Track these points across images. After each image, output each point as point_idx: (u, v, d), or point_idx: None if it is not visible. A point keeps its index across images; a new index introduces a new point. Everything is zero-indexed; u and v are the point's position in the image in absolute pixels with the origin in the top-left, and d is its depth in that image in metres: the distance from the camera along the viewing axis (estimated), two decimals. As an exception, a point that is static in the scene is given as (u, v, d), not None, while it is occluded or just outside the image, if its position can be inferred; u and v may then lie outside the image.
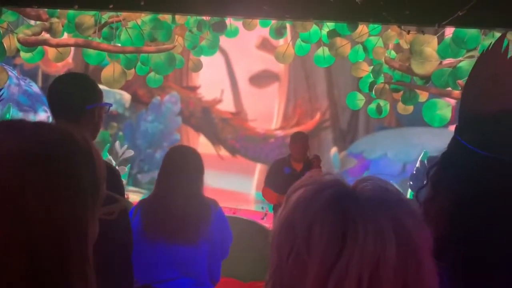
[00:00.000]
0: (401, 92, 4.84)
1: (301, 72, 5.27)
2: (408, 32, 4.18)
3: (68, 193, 0.73)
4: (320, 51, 4.92)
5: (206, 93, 5.54)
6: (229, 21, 4.96)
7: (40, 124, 0.78)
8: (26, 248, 0.69)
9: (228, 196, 4.96)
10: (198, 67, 5.34)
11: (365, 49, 4.85)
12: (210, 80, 5.50)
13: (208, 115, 5.59)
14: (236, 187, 4.54)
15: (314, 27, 4.79)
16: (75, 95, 1.80)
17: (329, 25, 4.75)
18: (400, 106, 4.94)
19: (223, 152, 5.68)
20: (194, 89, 5.54)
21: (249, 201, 5.37)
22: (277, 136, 5.36)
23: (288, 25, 4.93)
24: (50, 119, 5.35)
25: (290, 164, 4.32)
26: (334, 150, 5.23)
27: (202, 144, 5.68)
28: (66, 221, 0.72)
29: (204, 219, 2.53)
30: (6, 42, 5.35)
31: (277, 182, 4.31)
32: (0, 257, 0.67)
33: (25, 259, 0.68)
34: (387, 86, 4.85)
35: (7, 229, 0.68)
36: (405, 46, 4.63)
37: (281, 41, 4.99)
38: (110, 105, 1.99)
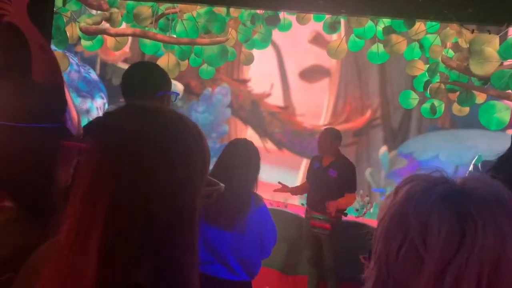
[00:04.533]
0: (458, 93, 4.66)
1: (353, 68, 5.20)
2: (472, 31, 4.01)
3: (182, 171, 0.76)
4: (374, 47, 4.83)
5: (256, 86, 5.58)
6: (283, 15, 4.96)
7: (156, 108, 0.82)
8: (142, 216, 0.73)
9: (273, 189, 4.98)
10: (249, 60, 5.39)
11: (421, 47, 4.71)
12: (261, 74, 5.53)
13: (256, 108, 5.63)
14: (281, 181, 4.56)
15: (369, 23, 4.70)
16: (146, 82, 1.88)
17: (385, 21, 4.64)
18: (456, 107, 4.76)
19: (270, 145, 5.70)
20: (244, 82, 5.59)
21: (291, 195, 5.38)
22: (325, 132, 5.32)
23: (342, 20, 4.86)
24: (106, 105, 5.58)
25: (320, 160, 4.37)
26: (383, 149, 5.13)
27: (249, 137, 5.74)
28: (179, 196, 0.76)
29: (243, 210, 2.56)
30: (68, 30, 5.62)
31: (308, 176, 4.48)
32: (121, 221, 0.72)
33: (141, 227, 0.72)
34: (442, 85, 4.69)
35: (126, 200, 0.72)
36: (464, 45, 4.45)
37: (334, 36, 4.93)
38: (178, 94, 2.06)
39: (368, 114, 5.22)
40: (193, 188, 0.79)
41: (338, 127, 5.03)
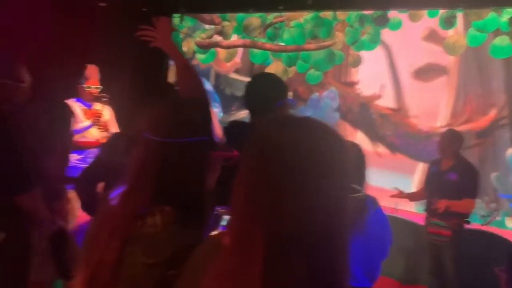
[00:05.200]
0: None
1: (473, 64, 4.79)
2: None
3: (337, 180, 0.79)
4: (498, 40, 4.41)
5: (365, 88, 5.43)
6: (393, 13, 4.78)
7: (307, 119, 0.85)
8: (302, 223, 0.76)
9: (386, 195, 4.80)
10: (357, 62, 5.29)
11: (556, 36, 4.18)
12: (370, 75, 5.37)
13: (366, 111, 5.48)
14: (394, 186, 4.37)
15: (491, 15, 4.30)
16: (268, 92, 1.96)
17: (510, 11, 4.21)
18: None
19: (382, 149, 5.50)
20: (352, 84, 5.48)
21: (409, 201, 5.12)
22: (443, 134, 4.98)
23: (459, 14, 4.52)
24: (220, 114, 5.91)
25: (439, 163, 4.05)
26: (511, 151, 4.65)
27: (360, 140, 5.60)
28: (335, 204, 0.79)
29: (361, 213, 2.51)
30: (185, 46, 6.08)
31: (426, 180, 4.19)
32: (281, 227, 0.76)
33: (301, 233, 0.76)
34: None
35: (286, 209, 0.76)
36: None
37: (450, 32, 4.61)
38: (294, 101, 2.12)
39: (492, 113, 4.77)
40: (346, 195, 0.81)
41: (458, 128, 4.66)
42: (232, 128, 2.10)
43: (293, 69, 5.50)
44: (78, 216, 2.86)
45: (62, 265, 2.22)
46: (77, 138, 3.80)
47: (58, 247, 2.32)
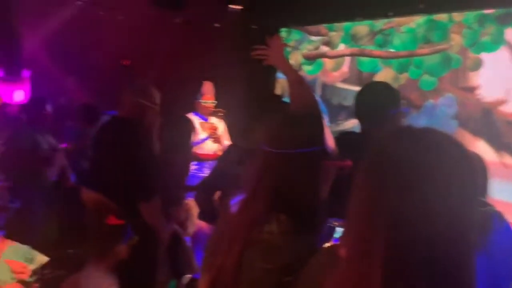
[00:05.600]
0: None
1: None
2: None
3: (459, 191, 0.75)
4: None
5: (487, 93, 4.99)
6: (519, 10, 4.34)
7: (430, 131, 0.82)
8: (423, 235, 0.74)
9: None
10: (477, 65, 4.88)
11: None
12: (492, 79, 4.92)
13: (489, 118, 5.02)
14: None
15: None
16: (379, 101, 1.92)
17: None
18: None
19: (508, 159, 4.99)
20: (472, 89, 5.07)
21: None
22: None
23: None
24: (328, 125, 5.90)
25: None
26: None
27: (482, 150, 5.15)
28: (458, 214, 0.75)
29: (486, 230, 2.30)
30: (292, 58, 6.19)
31: None
32: (402, 239, 0.74)
33: (423, 245, 0.74)
34: None
35: (408, 221, 0.74)
36: None
37: None
38: (408, 110, 2.05)
39: None
40: (471, 209, 0.78)
41: None
42: (343, 139, 2.09)
43: (404, 76, 5.27)
44: (196, 222, 3.06)
45: (176, 267, 2.39)
46: (195, 149, 4.08)
47: (173, 250, 2.51)
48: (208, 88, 4.20)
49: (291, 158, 1.14)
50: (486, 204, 1.59)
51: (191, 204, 2.97)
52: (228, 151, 2.54)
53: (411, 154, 0.77)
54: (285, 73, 1.88)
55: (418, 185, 0.75)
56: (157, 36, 4.76)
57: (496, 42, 4.65)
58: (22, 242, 2.03)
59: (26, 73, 4.59)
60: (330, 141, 1.21)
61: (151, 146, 2.33)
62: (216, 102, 4.18)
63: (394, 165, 0.78)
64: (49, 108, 4.07)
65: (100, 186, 2.11)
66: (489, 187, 2.19)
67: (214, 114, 4.18)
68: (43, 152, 3.95)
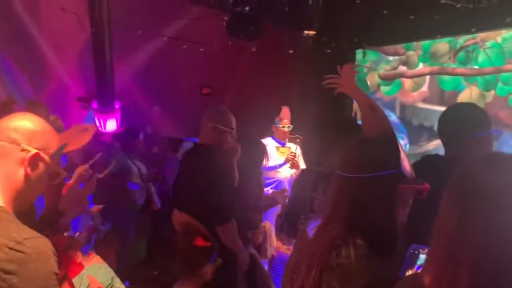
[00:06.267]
0: None
1: None
2: None
3: None
4: None
5: None
6: None
7: None
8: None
9: None
10: None
11: None
12: None
13: None
14: None
15: None
16: (463, 123, 1.85)
17: None
18: None
19: None
20: None
21: None
22: None
23: None
24: (407, 146, 5.69)
25: None
26: None
27: None
28: None
29: None
30: (369, 79, 6.09)
31: None
32: (491, 261, 0.74)
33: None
34: None
35: (495, 244, 0.74)
36: None
37: None
38: (500, 132, 1.91)
39: None
40: None
41: None
42: (426, 162, 2.02)
43: (491, 93, 4.97)
44: (274, 246, 3.08)
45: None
46: (272, 174, 4.14)
47: (251, 273, 2.54)
48: (285, 112, 4.27)
49: (366, 182, 1.14)
50: None
51: (268, 227, 3.01)
52: (302, 176, 2.56)
53: (499, 181, 0.76)
54: (356, 100, 1.89)
55: (505, 213, 0.74)
56: (235, 64, 4.97)
57: None
58: (109, 264, 2.15)
59: (117, 104, 5.00)
60: (405, 164, 1.20)
61: (229, 172, 2.41)
62: (292, 126, 4.23)
63: (482, 192, 0.77)
64: (141, 136, 4.41)
65: (184, 210, 2.22)
66: None
67: (292, 140, 4.21)
68: (134, 178, 4.25)
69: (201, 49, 4.46)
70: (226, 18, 4.24)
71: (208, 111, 2.61)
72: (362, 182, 1.15)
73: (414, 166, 2.03)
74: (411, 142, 5.69)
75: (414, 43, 5.41)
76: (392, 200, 1.16)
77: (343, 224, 1.16)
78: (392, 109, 5.85)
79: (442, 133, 1.93)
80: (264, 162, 4.26)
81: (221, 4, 3.84)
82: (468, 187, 0.79)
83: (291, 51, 4.47)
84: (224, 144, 2.49)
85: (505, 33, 4.62)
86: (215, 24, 4.45)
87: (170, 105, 5.44)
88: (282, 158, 4.17)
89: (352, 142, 1.25)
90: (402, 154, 1.20)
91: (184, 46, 4.68)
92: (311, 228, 1.28)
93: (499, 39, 4.74)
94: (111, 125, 5.09)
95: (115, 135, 4.84)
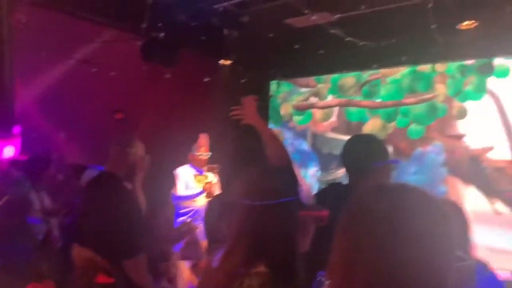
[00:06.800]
0: None
1: None
2: None
3: (428, 247, 0.77)
4: None
5: (474, 140, 5.08)
6: (498, 61, 4.52)
7: (403, 187, 0.84)
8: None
9: (509, 257, 4.31)
10: (463, 113, 5.00)
11: None
12: (478, 126, 5.03)
13: (477, 165, 5.08)
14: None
15: None
16: (363, 154, 1.96)
17: None
18: None
19: (500, 206, 5.00)
20: (459, 137, 5.16)
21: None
22: None
23: None
24: (319, 173, 5.93)
25: None
26: None
27: (473, 197, 5.16)
28: (432, 268, 0.77)
29: (468, 284, 2.25)
30: (283, 109, 6.32)
31: None
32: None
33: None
34: None
35: (384, 273, 0.77)
36: None
37: None
38: (397, 161, 2.05)
39: None
40: (447, 265, 0.79)
41: None
42: (330, 190, 2.10)
43: (392, 125, 5.38)
44: (186, 277, 2.99)
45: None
46: (188, 203, 4.05)
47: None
48: (203, 140, 4.23)
49: (266, 210, 1.16)
50: (467, 258, 1.58)
51: (179, 258, 2.92)
52: (209, 205, 2.54)
53: (386, 211, 0.79)
54: (259, 130, 1.96)
55: (392, 239, 0.77)
56: (151, 90, 4.87)
57: (479, 91, 4.79)
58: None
59: (17, 129, 4.62)
60: (305, 192, 1.23)
61: (136, 201, 2.31)
62: (211, 154, 4.20)
63: (369, 222, 0.80)
64: (49, 165, 4.08)
65: (87, 243, 2.08)
66: (470, 238, 2.16)
67: (210, 169, 4.16)
68: (34, 211, 3.91)
69: (113, 73, 4.31)
70: (140, 42, 4.16)
71: (115, 138, 2.51)
72: (263, 210, 1.16)
73: (319, 193, 2.12)
74: (322, 169, 5.95)
75: (324, 76, 5.73)
76: (293, 227, 1.18)
77: (246, 253, 1.16)
78: (304, 138, 6.10)
79: (344, 162, 2.04)
80: (176, 190, 4.16)
81: (136, 28, 3.77)
82: (358, 215, 0.83)
83: (206, 79, 4.50)
84: (131, 172, 2.40)
85: (404, 70, 5.07)
86: (129, 48, 4.35)
87: (80, 130, 5.15)
88: (199, 187, 4.11)
89: (254, 171, 1.26)
90: (302, 183, 1.23)
91: (95, 70, 4.49)
92: (216, 258, 1.26)
93: (398, 75, 5.18)
94: (9, 151, 4.68)
95: (17, 163, 4.45)
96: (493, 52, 3.90)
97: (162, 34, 3.92)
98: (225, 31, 3.93)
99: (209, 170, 4.18)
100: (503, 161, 4.68)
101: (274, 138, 1.93)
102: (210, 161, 4.20)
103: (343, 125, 5.84)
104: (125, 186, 2.29)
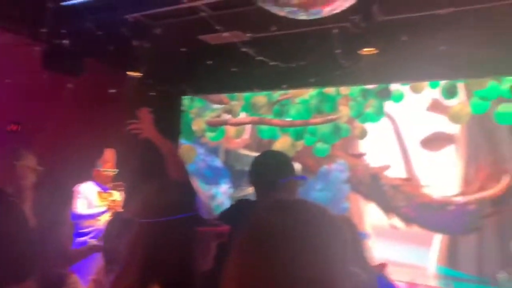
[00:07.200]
0: None
1: (481, 131, 4.81)
2: None
3: (321, 262, 0.78)
4: (501, 107, 4.46)
5: (374, 159, 5.44)
6: (394, 86, 4.92)
7: (299, 203, 0.87)
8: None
9: (404, 269, 4.61)
10: (364, 134, 5.35)
11: (559, 101, 4.23)
12: (377, 146, 5.40)
13: (376, 182, 5.43)
14: (412, 260, 4.20)
15: (492, 83, 4.40)
16: (268, 170, 1.97)
17: (509, 79, 4.31)
18: None
19: (396, 221, 5.37)
20: (360, 156, 5.50)
21: (428, 275, 4.90)
22: (458, 203, 4.88)
23: (460, 84, 4.64)
24: (231, 190, 5.93)
25: None
26: (530, 218, 4.50)
27: (373, 212, 5.50)
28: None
29: None
30: (195, 125, 6.26)
31: None
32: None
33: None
34: None
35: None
36: None
37: (453, 101, 4.69)
38: (304, 178, 2.08)
39: (506, 180, 4.69)
40: (337, 278, 0.79)
41: (472, 197, 4.58)
42: (237, 206, 2.09)
43: (301, 143, 5.58)
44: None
45: None
46: (90, 222, 3.79)
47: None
48: (109, 156, 4.01)
49: (161, 227, 1.11)
50: (363, 272, 1.65)
51: (77, 281, 2.70)
52: (109, 224, 2.40)
53: (280, 227, 0.80)
54: (157, 144, 1.91)
55: (286, 258, 0.77)
56: (50, 101, 4.55)
57: (378, 114, 5.17)
58: None
59: None
60: (204, 206, 1.20)
61: (24, 219, 2.11)
62: (117, 170, 3.98)
63: (264, 238, 0.80)
64: None
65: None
66: (365, 254, 2.25)
67: (115, 188, 3.94)
68: None
69: (8, 80, 3.95)
70: (40, 48, 3.87)
71: (6, 148, 2.29)
72: (158, 227, 1.11)
73: (226, 210, 2.09)
74: (234, 186, 5.97)
75: (237, 94, 5.80)
76: (190, 244, 1.13)
77: (140, 272, 1.09)
78: (217, 154, 6.09)
79: (251, 178, 2.05)
80: (76, 208, 3.87)
81: (34, 32, 3.50)
82: (253, 230, 0.83)
83: (112, 91, 4.30)
84: (22, 184, 2.19)
85: (312, 91, 5.30)
86: (27, 54, 4.03)
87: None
88: (103, 205, 3.86)
89: (150, 187, 1.21)
90: (201, 198, 1.20)
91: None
92: (111, 279, 1.18)
93: (307, 96, 5.40)
94: None
95: None
96: (391, 78, 4.22)
97: (66, 41, 3.69)
98: (135, 42, 3.80)
99: (114, 187, 3.96)
100: (398, 179, 5.06)
101: (172, 152, 1.88)
102: (116, 177, 3.99)
103: (255, 142, 5.93)
104: (12, 201, 2.08)
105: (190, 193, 1.20)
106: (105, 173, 3.96)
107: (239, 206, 2.12)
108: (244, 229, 0.86)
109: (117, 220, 1.97)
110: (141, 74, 4.24)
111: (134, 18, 3.52)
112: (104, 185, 3.98)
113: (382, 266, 2.61)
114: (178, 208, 1.14)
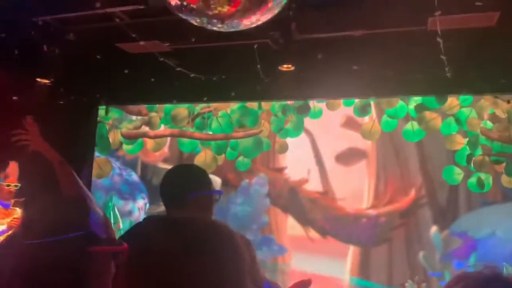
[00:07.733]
0: (504, 164, 4.45)
1: (390, 148, 5.12)
2: (508, 102, 3.94)
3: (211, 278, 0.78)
4: (408, 125, 4.79)
5: (293, 173, 5.56)
6: (313, 103, 5.08)
7: (189, 220, 0.86)
8: None
9: (319, 281, 4.72)
10: (284, 148, 5.46)
11: (457, 121, 4.63)
12: (296, 161, 5.54)
13: (295, 196, 5.55)
14: (327, 271, 4.31)
15: (400, 103, 4.72)
16: (177, 185, 1.89)
17: (416, 100, 4.65)
18: (505, 179, 4.51)
19: (313, 233, 5.52)
20: (280, 170, 5.60)
21: (342, 286, 5.08)
22: (370, 215, 5.12)
23: (372, 103, 4.92)
24: (147, 206, 5.71)
25: None
26: (434, 229, 4.84)
27: (291, 225, 5.60)
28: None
29: None
30: (111, 137, 5.96)
31: None
32: None
33: None
34: (487, 158, 4.50)
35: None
36: (502, 115, 4.35)
37: (366, 119, 4.96)
38: (219, 192, 2.02)
39: (412, 193, 5.03)
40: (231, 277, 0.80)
41: (382, 209, 4.84)
42: (146, 223, 1.99)
43: (222, 157, 5.55)
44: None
45: None
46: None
47: None
48: (12, 169, 3.67)
49: (47, 247, 0.99)
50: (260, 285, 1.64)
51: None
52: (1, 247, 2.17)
53: (168, 245, 0.79)
54: (46, 155, 1.79)
55: (172, 271, 0.76)
56: None
57: (297, 129, 5.30)
58: None
59: None
60: (101, 224, 1.09)
61: None
62: (19, 185, 3.64)
63: (155, 257, 0.78)
64: None
65: None
66: (258, 268, 2.23)
67: (16, 204, 3.60)
68: None
69: None
70: None
71: None
72: (43, 248, 0.99)
73: (132, 227, 1.98)
74: (151, 202, 5.76)
75: (157, 105, 5.64)
76: (79, 265, 1.02)
77: None
78: (134, 168, 5.85)
79: (161, 195, 1.97)
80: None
81: None
82: (146, 250, 0.81)
83: (15, 98, 3.97)
84: None
85: (233, 105, 5.31)
86: None
87: None
88: (3, 224, 3.52)
89: (36, 204, 1.09)
90: (97, 213, 1.09)
91: None
92: None
93: (228, 110, 5.40)
94: None
95: None
96: (308, 94, 4.35)
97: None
98: (45, 47, 3.55)
99: (17, 204, 3.63)
100: (315, 193, 5.22)
101: (62, 165, 1.75)
102: (18, 193, 3.66)
103: (175, 156, 5.80)
104: None
105: (81, 210, 1.09)
106: (7, 187, 3.63)
107: (145, 224, 2.02)
108: (132, 248, 0.84)
109: (8, 241, 1.78)
110: (51, 81, 3.96)
111: (43, 21, 3.28)
112: (6, 201, 3.63)
113: (307, 282, 2.62)
114: (66, 227, 1.03)
